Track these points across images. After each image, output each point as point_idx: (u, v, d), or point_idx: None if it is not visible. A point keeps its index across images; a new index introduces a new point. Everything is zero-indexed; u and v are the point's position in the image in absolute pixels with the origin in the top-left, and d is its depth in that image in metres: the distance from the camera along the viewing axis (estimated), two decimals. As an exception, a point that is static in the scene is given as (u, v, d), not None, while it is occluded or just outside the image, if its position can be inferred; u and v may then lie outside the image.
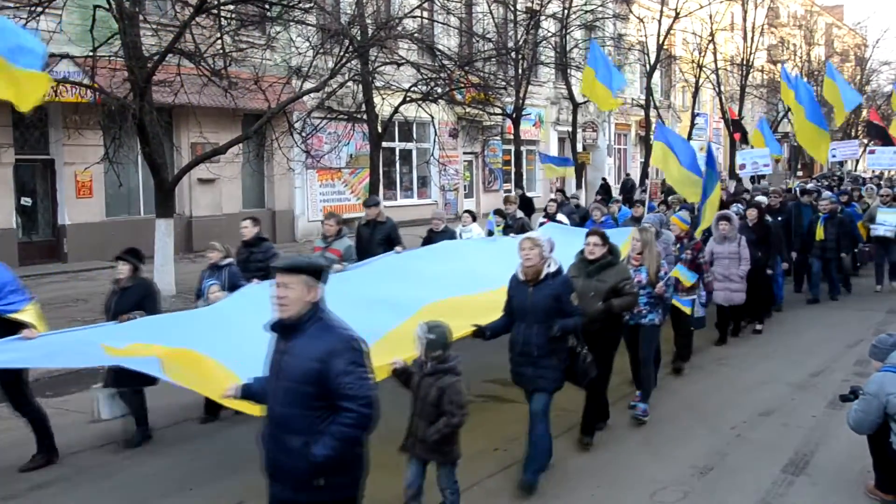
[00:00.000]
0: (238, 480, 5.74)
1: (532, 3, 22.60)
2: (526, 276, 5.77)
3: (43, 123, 15.71)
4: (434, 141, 18.17)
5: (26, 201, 15.90)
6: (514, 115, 21.20)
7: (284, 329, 3.75)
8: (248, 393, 4.17)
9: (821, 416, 7.38)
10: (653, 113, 28.43)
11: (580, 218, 13.45)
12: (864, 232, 13.78)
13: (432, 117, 17.44)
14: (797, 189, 18.08)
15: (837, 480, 5.91)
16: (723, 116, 31.96)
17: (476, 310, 6.48)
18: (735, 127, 27.97)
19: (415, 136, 23.11)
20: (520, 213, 12.84)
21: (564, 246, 6.90)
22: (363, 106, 15.66)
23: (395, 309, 6.74)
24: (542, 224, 12.17)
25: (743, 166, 19.27)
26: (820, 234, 12.58)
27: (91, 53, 10.87)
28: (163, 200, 11.03)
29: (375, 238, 9.74)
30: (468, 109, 22.30)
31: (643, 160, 29.52)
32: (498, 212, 12.35)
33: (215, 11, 11.35)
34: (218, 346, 5.69)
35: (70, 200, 16.17)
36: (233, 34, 12.23)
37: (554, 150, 31.41)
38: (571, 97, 24.18)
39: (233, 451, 6.30)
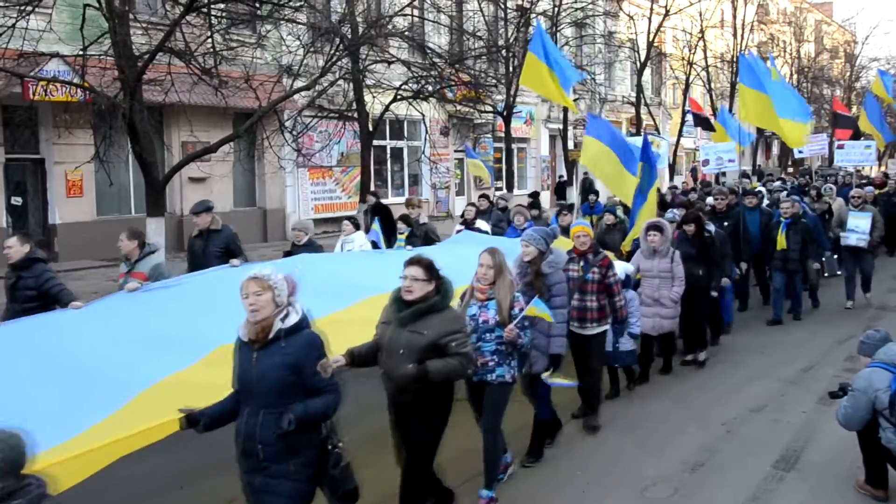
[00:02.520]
0: (228, 478, 5.72)
1: (522, 0, 22.63)
2: (250, 335, 3.97)
3: (33, 122, 15.63)
4: (425, 139, 18.19)
5: (17, 201, 15.84)
6: (504, 113, 21.21)
7: None
8: None
9: (811, 411, 7.44)
10: (643, 110, 28.50)
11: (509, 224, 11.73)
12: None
13: (423, 115, 17.44)
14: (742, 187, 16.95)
15: (827, 476, 5.96)
16: (714, 112, 31.50)
17: None
18: (698, 122, 25.40)
19: (406, 134, 23.09)
20: (424, 219, 11.19)
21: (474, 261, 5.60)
22: (354, 104, 15.66)
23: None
24: (458, 232, 10.64)
25: (706, 162, 17.58)
26: (782, 242, 10.93)
27: (81, 52, 10.84)
28: (153, 199, 11.00)
29: (210, 251, 8.16)
30: (459, 107, 22.29)
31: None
32: (402, 218, 10.85)
33: (205, 10, 11.33)
34: None
35: (60, 200, 16.12)
36: (223, 33, 12.20)
37: (545, 149, 31.46)
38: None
39: (221, 450, 6.26)
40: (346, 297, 5.87)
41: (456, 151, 26.65)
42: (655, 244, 8.17)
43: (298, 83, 13.45)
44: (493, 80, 19.85)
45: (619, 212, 10.68)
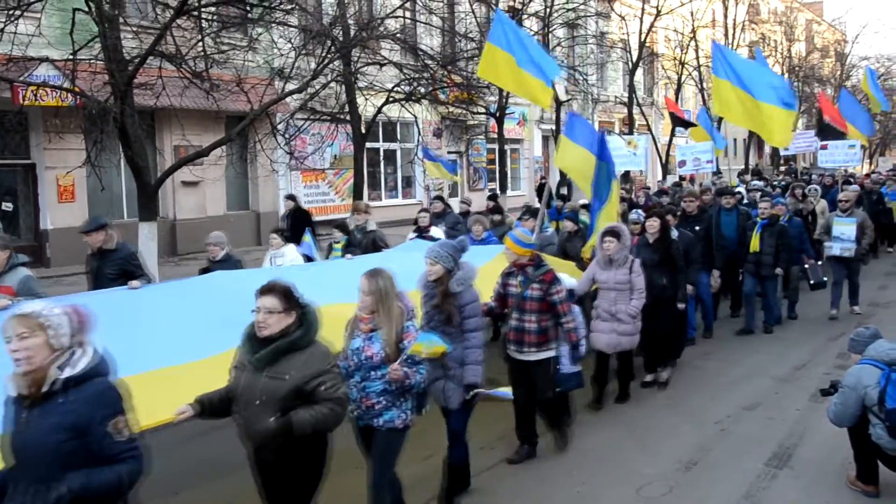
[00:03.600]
0: (225, 484, 5.73)
1: (514, 1, 22.66)
2: (20, 388, 3.07)
3: (23, 128, 15.60)
4: (418, 141, 18.16)
5: (7, 206, 15.80)
6: (497, 115, 21.24)
7: None
8: None
9: (804, 409, 7.48)
10: (636, 110, 28.57)
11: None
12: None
13: (416, 117, 17.44)
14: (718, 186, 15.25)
15: (820, 473, 5.99)
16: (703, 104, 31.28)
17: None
18: (675, 122, 23.51)
19: (399, 136, 23.11)
20: (373, 225, 10.02)
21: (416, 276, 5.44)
22: (346, 106, 15.65)
23: None
24: (410, 240, 10.02)
25: (683, 163, 16.66)
26: (755, 244, 10.23)
27: (71, 56, 10.80)
28: (146, 203, 10.97)
29: (105, 272, 7.17)
30: (452, 109, 22.31)
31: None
32: (338, 225, 9.87)
33: (196, 13, 11.31)
34: None
35: (52, 205, 16.09)
36: (214, 36, 12.16)
37: (538, 150, 31.49)
38: (555, 95, 24.27)
39: (216, 456, 6.25)
40: None
41: (449, 153, 26.68)
42: (611, 252, 7.32)
43: (290, 86, 13.42)
44: (486, 82, 19.85)
45: (584, 217, 10.05)
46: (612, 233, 7.37)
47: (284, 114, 16.35)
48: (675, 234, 8.65)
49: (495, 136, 22.64)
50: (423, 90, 16.16)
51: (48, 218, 16.09)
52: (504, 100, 20.95)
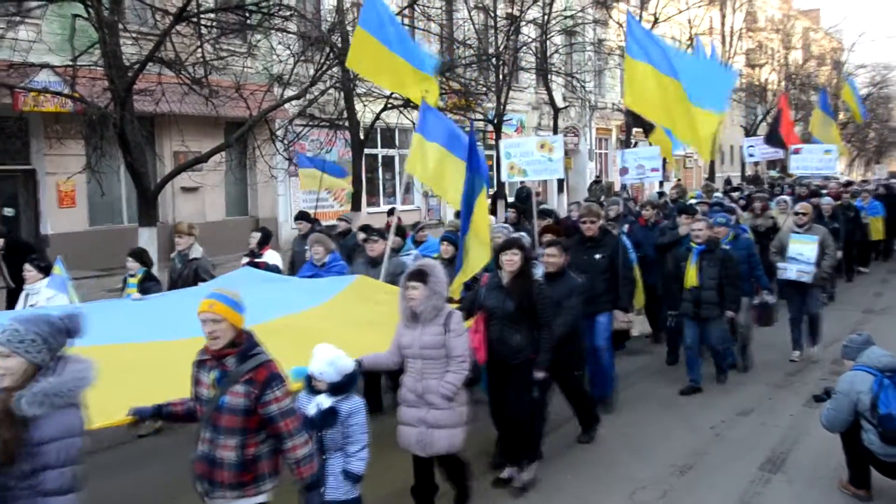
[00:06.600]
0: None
1: (512, 8, 22.77)
2: None
3: (24, 133, 15.63)
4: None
5: (9, 212, 15.82)
6: (495, 121, 21.32)
7: None
8: None
9: (797, 414, 7.54)
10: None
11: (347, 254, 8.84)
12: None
13: (414, 123, 17.45)
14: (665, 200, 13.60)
15: (812, 477, 6.05)
16: None
17: None
18: (637, 122, 20.58)
19: (397, 142, 23.16)
20: (198, 252, 8.02)
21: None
22: (345, 113, 15.72)
23: None
24: (244, 265, 8.25)
25: (625, 170, 14.40)
26: (692, 277, 8.04)
27: (71, 63, 10.87)
28: (145, 209, 11.05)
29: None
30: (450, 115, 22.39)
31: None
32: (134, 253, 7.63)
33: (195, 20, 11.39)
34: None
35: (53, 210, 16.12)
36: (213, 42, 12.25)
37: (536, 155, 31.51)
38: (552, 102, 24.38)
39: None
40: None
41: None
42: (415, 303, 5.02)
43: (289, 92, 13.50)
44: (484, 88, 19.95)
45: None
46: (417, 275, 5.05)
47: (283, 120, 16.42)
48: (538, 271, 6.37)
49: (493, 142, 22.71)
50: (421, 97, 16.24)
51: (49, 224, 16.12)
52: (502, 106, 21.03)
